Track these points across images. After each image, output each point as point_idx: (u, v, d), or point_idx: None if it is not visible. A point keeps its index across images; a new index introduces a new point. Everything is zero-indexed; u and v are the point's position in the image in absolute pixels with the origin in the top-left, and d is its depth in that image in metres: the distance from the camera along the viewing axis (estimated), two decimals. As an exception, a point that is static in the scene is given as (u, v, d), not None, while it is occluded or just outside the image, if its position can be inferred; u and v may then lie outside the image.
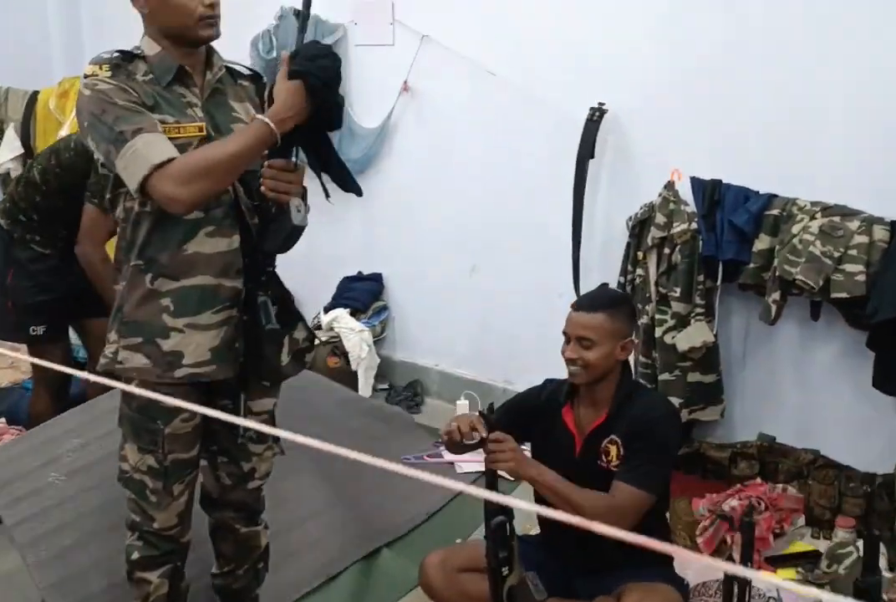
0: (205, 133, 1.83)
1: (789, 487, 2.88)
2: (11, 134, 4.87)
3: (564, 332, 2.16)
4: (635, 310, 2.24)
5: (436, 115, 3.87)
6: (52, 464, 2.81)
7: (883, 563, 2.50)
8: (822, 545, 2.75)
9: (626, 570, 2.18)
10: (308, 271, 4.01)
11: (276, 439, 2.11)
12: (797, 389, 3.06)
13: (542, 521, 2.38)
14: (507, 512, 1.98)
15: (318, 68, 1.70)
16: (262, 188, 1.79)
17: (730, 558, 2.63)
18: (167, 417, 1.90)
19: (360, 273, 4.30)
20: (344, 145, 4.04)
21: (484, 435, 2.04)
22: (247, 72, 2.04)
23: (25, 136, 4.83)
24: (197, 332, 1.87)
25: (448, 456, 3.32)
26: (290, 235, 1.81)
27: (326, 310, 4.22)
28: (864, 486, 2.82)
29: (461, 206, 3.85)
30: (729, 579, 1.59)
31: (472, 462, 3.30)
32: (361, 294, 4.20)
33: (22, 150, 4.87)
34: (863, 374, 2.87)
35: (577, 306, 2.17)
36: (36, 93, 4.72)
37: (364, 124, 4.04)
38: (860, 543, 2.58)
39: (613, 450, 2.15)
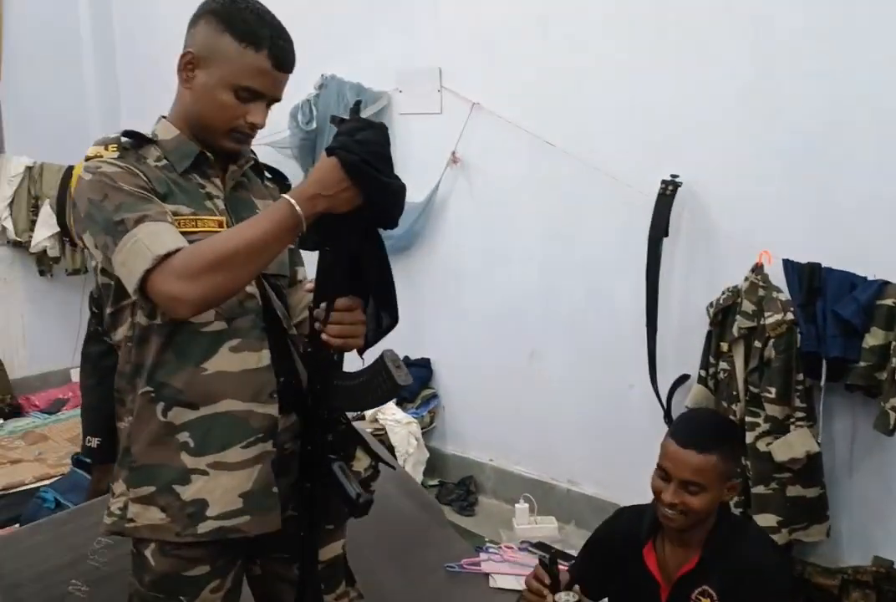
0: (225, 228, 1.50)
1: (917, 627, 2.42)
2: (47, 210, 4.71)
3: (662, 468, 1.79)
4: (744, 441, 1.87)
5: (488, 188, 3.57)
6: (74, 566, 2.40)
7: None
8: None
9: None
10: (349, 357, 3.69)
11: (352, 582, 1.76)
12: (917, 505, 2.61)
13: None
14: None
15: (356, 142, 1.33)
16: (323, 337, 1.44)
17: None
18: (192, 590, 1.52)
19: (406, 358, 3.96)
20: (391, 221, 3.77)
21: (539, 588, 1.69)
22: (271, 171, 1.73)
23: (61, 213, 4.65)
24: (224, 474, 1.50)
25: (486, 566, 2.95)
26: (390, 394, 1.48)
27: (369, 400, 3.88)
28: None
29: (518, 288, 3.52)
30: None
31: (509, 575, 2.92)
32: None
33: (58, 229, 4.70)
34: None
35: (684, 442, 1.78)
36: (70, 168, 4.54)
37: (410, 198, 3.74)
38: None
39: None
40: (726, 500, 1.82)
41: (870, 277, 2.48)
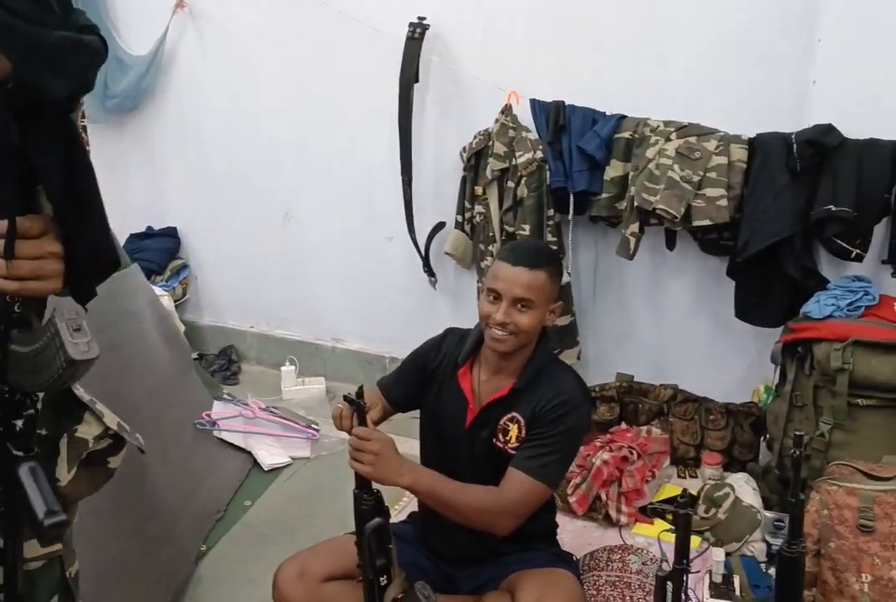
0: None
1: (654, 429, 2.73)
2: None
3: (493, 290, 1.79)
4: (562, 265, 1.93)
5: (226, 38, 3.31)
6: None
7: (756, 499, 2.41)
8: (690, 485, 2.63)
9: (512, 555, 1.92)
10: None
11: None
12: (651, 324, 2.90)
13: (418, 515, 2.06)
14: (384, 512, 1.64)
15: None
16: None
17: (606, 517, 2.44)
18: None
19: (149, 229, 3.71)
20: (110, 77, 3.40)
21: (348, 426, 1.68)
22: None
23: None
24: None
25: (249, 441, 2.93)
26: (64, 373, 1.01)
27: (114, 274, 3.61)
28: (724, 418, 2.72)
29: (266, 146, 3.35)
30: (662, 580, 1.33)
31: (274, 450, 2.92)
32: (155, 253, 3.63)
33: None
34: (717, 304, 2.74)
35: (515, 260, 1.79)
36: None
37: (133, 50, 3.40)
38: (732, 480, 2.49)
39: (514, 430, 1.84)
40: (548, 324, 1.86)
41: (608, 113, 2.61)
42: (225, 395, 3.19)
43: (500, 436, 1.85)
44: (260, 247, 3.50)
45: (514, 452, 1.84)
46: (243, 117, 3.37)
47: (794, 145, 2.31)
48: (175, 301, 3.61)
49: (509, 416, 1.85)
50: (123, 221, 3.67)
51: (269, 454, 2.90)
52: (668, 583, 1.33)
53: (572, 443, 1.81)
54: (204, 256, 3.69)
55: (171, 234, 3.67)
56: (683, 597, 1.33)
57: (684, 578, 1.33)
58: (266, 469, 2.83)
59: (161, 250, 3.62)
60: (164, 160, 3.59)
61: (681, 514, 1.32)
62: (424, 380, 1.97)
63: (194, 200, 3.59)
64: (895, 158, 2.25)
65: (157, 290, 3.50)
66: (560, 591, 1.78)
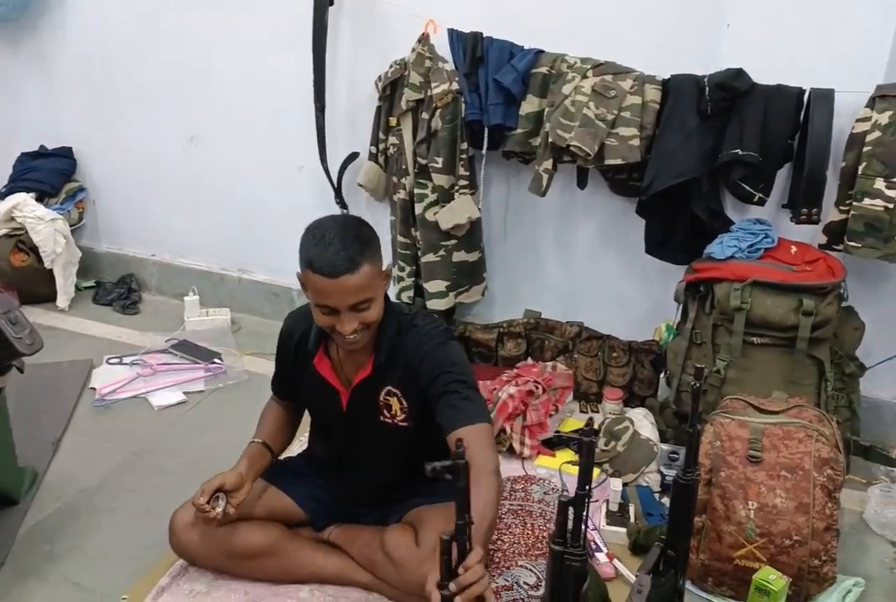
0: None
1: (559, 365, 2.79)
2: None
3: (323, 306, 1.66)
4: (370, 227, 1.74)
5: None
6: None
7: (654, 433, 2.50)
8: (592, 419, 2.70)
9: (416, 492, 1.96)
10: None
11: None
12: (560, 262, 2.93)
13: (318, 460, 2.07)
14: None
15: None
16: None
17: (510, 449, 2.50)
18: None
19: (42, 148, 3.51)
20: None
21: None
22: None
23: None
24: None
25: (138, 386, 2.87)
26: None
27: (2, 196, 3.43)
28: (626, 355, 2.81)
29: (172, 67, 3.20)
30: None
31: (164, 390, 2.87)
32: (48, 174, 3.45)
33: None
34: (624, 244, 2.79)
35: (331, 271, 1.59)
36: None
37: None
38: (632, 415, 2.57)
39: (395, 403, 1.83)
40: (386, 290, 1.78)
41: (526, 47, 2.57)
42: (110, 360, 3.04)
43: (385, 411, 1.84)
44: (163, 172, 3.37)
45: (404, 425, 1.83)
46: (146, 35, 3.19)
47: (706, 88, 2.34)
48: (71, 225, 3.46)
49: (385, 390, 1.82)
50: (13, 139, 3.48)
51: (162, 396, 2.83)
52: (570, 508, 1.36)
53: (468, 375, 1.76)
54: (102, 179, 3.52)
55: (65, 154, 3.49)
56: (585, 518, 1.37)
57: (586, 503, 1.36)
58: (156, 410, 2.76)
59: (54, 171, 3.44)
60: (61, 76, 3.40)
61: (585, 441, 1.35)
62: (291, 371, 1.94)
63: (92, 120, 3.41)
64: (800, 105, 2.31)
65: (51, 213, 3.35)
66: None
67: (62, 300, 3.43)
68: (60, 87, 3.40)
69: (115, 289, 3.53)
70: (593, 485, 2.24)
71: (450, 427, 1.68)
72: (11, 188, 3.44)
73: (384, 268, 1.74)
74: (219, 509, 1.81)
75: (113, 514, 2.25)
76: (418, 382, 1.76)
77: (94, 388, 2.85)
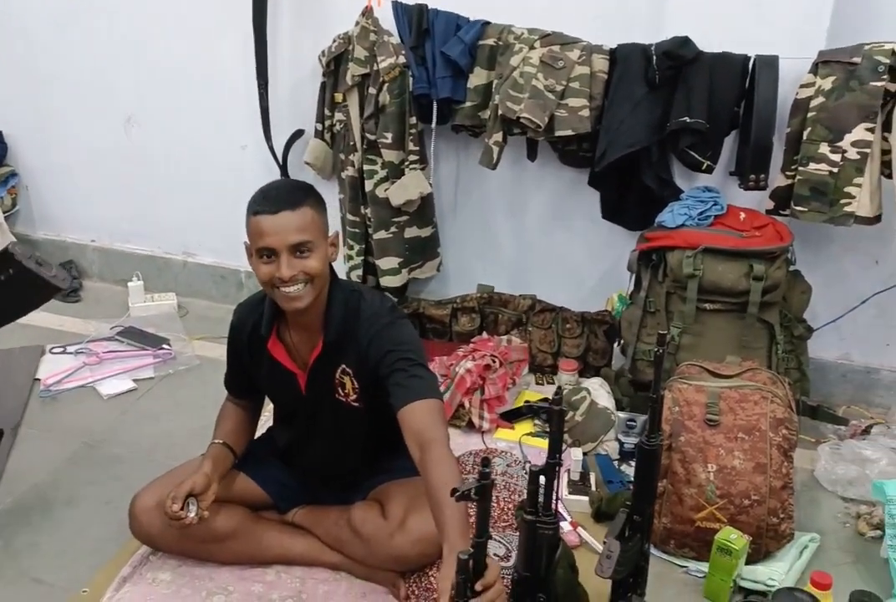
0: None
1: (514, 338, 2.79)
2: None
3: (265, 248, 1.63)
4: (319, 195, 1.75)
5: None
6: None
7: (610, 402, 2.53)
8: (547, 390, 2.73)
9: (378, 470, 1.96)
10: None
11: None
12: (511, 236, 2.93)
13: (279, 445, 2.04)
14: None
15: None
16: None
17: (469, 423, 2.50)
18: None
19: (-30, 132, 3.37)
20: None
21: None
22: None
23: None
24: None
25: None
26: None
27: (-70, 183, 3.29)
28: (579, 326, 2.83)
29: (103, 44, 3.08)
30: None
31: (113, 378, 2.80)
32: (-25, 159, 3.31)
33: None
34: (574, 216, 2.80)
35: (273, 207, 1.61)
36: None
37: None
38: (588, 385, 2.60)
39: (348, 382, 1.80)
40: (333, 259, 1.75)
41: (472, 18, 2.55)
42: (53, 349, 2.95)
43: (340, 390, 1.82)
44: (99, 154, 3.26)
45: (356, 405, 1.82)
46: (75, 12, 3.07)
47: (654, 57, 2.34)
48: (4, 212, 3.34)
49: (340, 369, 1.79)
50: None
51: (111, 384, 2.76)
52: (541, 477, 1.37)
53: (416, 352, 1.74)
54: (35, 164, 3.40)
55: (-5, 138, 3.36)
56: (556, 487, 1.38)
57: (556, 471, 1.37)
58: (105, 399, 2.70)
59: (-13, 156, 3.31)
60: (-15, 56, 3.25)
61: (555, 410, 1.36)
62: (246, 364, 1.91)
63: (21, 102, 3.28)
64: (745, 72, 2.33)
65: (-17, 201, 3.23)
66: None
67: (-1, 289, 3.30)
68: (-13, 70, 3.26)
69: (55, 276, 3.42)
70: (556, 454, 2.30)
71: (398, 404, 1.66)
72: (-64, 174, 3.31)
73: (331, 235, 1.74)
74: (192, 514, 1.78)
75: (69, 508, 2.20)
76: (368, 363, 1.74)
77: (39, 379, 2.76)
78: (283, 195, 1.66)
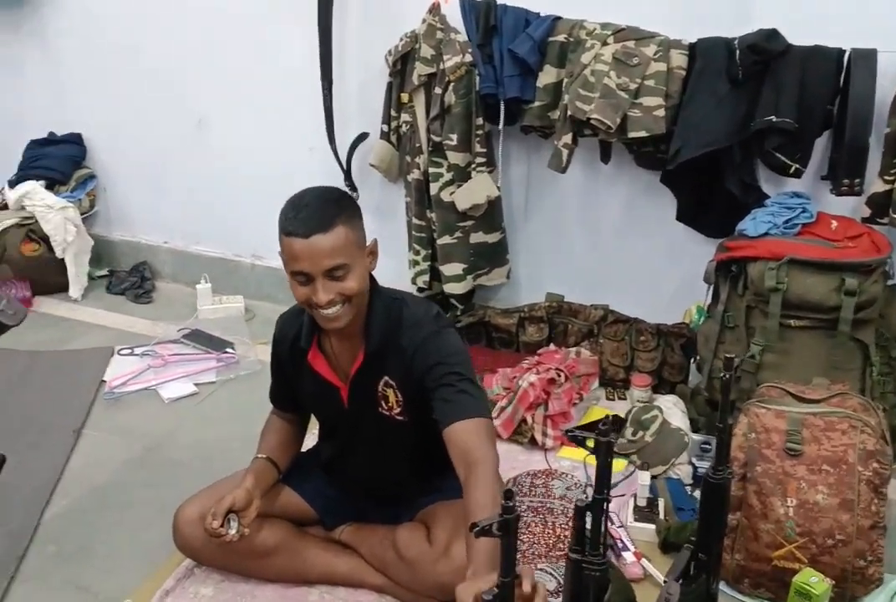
0: None
1: (583, 350, 2.65)
2: None
3: (297, 272, 1.57)
4: (354, 201, 1.67)
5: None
6: None
7: (685, 422, 2.36)
8: (618, 407, 2.58)
9: (427, 489, 1.86)
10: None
11: None
12: (583, 242, 2.78)
13: (329, 466, 1.96)
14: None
15: None
16: None
17: (532, 440, 2.38)
18: None
19: (51, 135, 3.44)
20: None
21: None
22: None
23: None
24: None
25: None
26: None
27: (12, 184, 3.37)
28: (654, 339, 2.66)
29: (175, 47, 3.09)
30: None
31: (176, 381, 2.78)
32: (58, 161, 3.38)
33: None
34: (651, 220, 2.65)
35: (304, 231, 1.53)
36: None
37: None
38: (661, 403, 2.44)
39: (391, 394, 1.71)
40: (372, 270, 1.67)
41: (542, 14, 2.43)
42: (122, 351, 2.96)
43: (383, 404, 1.73)
44: (173, 156, 3.27)
45: (400, 419, 1.73)
46: (150, 17, 3.08)
47: (737, 51, 2.17)
48: (82, 214, 3.39)
49: (383, 381, 1.70)
50: (22, 126, 3.41)
51: (173, 388, 2.74)
52: (587, 513, 1.24)
53: (464, 365, 1.64)
54: (112, 166, 3.44)
55: (74, 140, 3.40)
56: (604, 525, 1.25)
57: (604, 507, 1.24)
58: (167, 402, 2.67)
59: (64, 158, 3.37)
60: (65, 60, 3.31)
61: (602, 441, 1.21)
62: (289, 376, 1.84)
63: (100, 105, 3.33)
64: (839, 67, 2.14)
65: (61, 201, 3.28)
66: None
67: (74, 290, 3.36)
68: (66, 72, 3.32)
69: (129, 277, 3.45)
70: (619, 479, 2.15)
71: (445, 422, 1.56)
72: (21, 176, 3.37)
73: (368, 243, 1.65)
74: (232, 532, 1.72)
75: (124, 512, 2.18)
76: (413, 374, 1.65)
77: (105, 381, 2.78)
78: (314, 215, 1.55)
